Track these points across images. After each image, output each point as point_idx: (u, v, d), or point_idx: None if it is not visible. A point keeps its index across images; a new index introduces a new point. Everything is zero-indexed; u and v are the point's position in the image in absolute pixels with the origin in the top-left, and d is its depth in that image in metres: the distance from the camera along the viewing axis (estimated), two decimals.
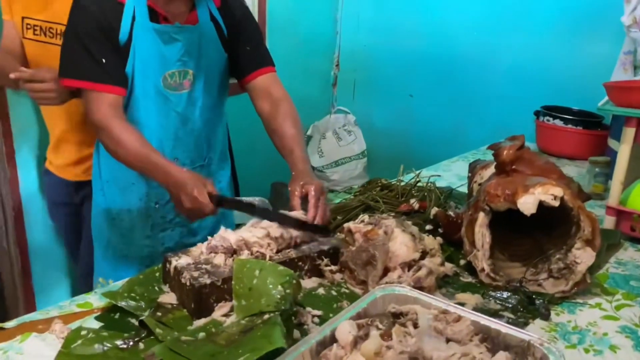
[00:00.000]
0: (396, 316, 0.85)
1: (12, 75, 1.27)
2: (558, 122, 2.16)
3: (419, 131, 2.93)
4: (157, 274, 1.09)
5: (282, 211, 1.17)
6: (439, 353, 0.74)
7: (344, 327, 0.78)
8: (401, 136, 3.01)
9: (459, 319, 0.83)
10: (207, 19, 1.35)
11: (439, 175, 1.62)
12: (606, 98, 1.54)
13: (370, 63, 3.09)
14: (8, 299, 2.08)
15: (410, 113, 2.95)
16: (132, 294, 1.00)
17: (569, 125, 2.14)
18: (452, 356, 0.73)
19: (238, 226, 1.30)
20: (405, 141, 2.99)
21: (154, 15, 1.28)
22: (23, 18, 1.52)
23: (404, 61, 2.93)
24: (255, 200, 2.05)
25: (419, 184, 1.55)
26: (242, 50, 1.42)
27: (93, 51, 1.23)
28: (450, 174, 1.91)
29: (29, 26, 1.52)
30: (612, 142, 1.83)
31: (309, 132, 3.18)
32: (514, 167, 1.18)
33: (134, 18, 1.26)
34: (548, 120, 2.20)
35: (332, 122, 3.24)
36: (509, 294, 1.06)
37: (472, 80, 2.69)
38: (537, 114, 2.27)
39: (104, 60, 1.24)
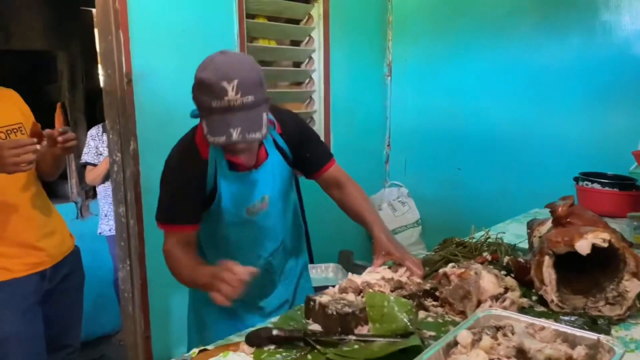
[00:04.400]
0: (497, 328, 1.17)
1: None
2: (596, 186, 2.48)
3: (468, 199, 3.27)
4: (299, 312, 1.43)
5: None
6: (535, 346, 1.05)
7: (464, 334, 1.10)
8: (452, 205, 3.35)
9: (543, 328, 1.15)
10: (273, 150, 1.58)
11: (504, 233, 1.95)
12: (636, 164, 1.87)
13: (419, 142, 3.51)
14: (130, 358, 2.42)
15: (459, 183, 3.31)
16: (290, 324, 1.34)
17: (606, 188, 2.45)
18: (544, 347, 1.04)
19: (317, 289, 1.68)
20: (455, 209, 3.33)
21: (232, 164, 1.51)
22: None
23: (450, 139, 3.33)
24: (330, 266, 2.41)
25: (484, 241, 1.88)
26: (306, 155, 1.67)
27: (174, 200, 1.51)
28: (508, 233, 2.22)
29: None
30: None
31: None
32: (568, 220, 1.51)
33: (216, 170, 1.50)
34: (587, 185, 2.52)
35: (386, 195, 3.62)
36: (576, 317, 1.36)
37: (514, 152, 3.06)
38: (576, 179, 2.60)
39: (182, 206, 1.51)
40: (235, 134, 1.28)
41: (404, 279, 1.41)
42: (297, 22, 3.10)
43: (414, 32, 3.45)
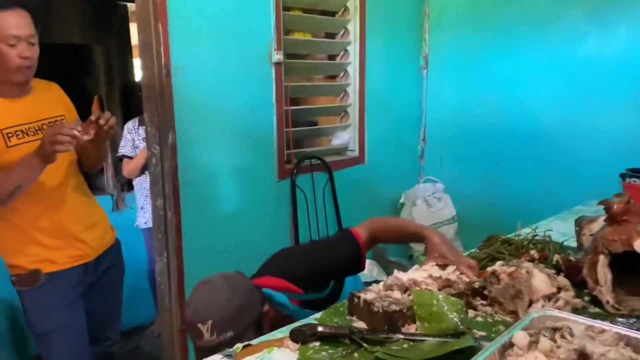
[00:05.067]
0: (554, 329, 1.11)
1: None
2: None
3: (507, 196, 3.19)
4: (342, 309, 1.39)
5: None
6: (598, 349, 1.00)
7: (520, 335, 1.06)
8: (490, 201, 3.27)
9: (603, 331, 1.09)
10: (303, 312, 1.46)
11: (551, 230, 1.88)
12: None
13: (456, 137, 3.44)
14: (165, 351, 2.43)
15: (498, 180, 3.23)
16: (334, 320, 1.31)
17: None
18: (609, 351, 0.99)
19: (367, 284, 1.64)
20: (494, 206, 3.25)
21: None
22: (1, 130, 1.70)
23: (488, 133, 3.25)
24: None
25: (531, 239, 1.81)
26: (342, 271, 1.59)
27: None
28: (552, 231, 2.15)
29: (10, 134, 1.71)
30: None
31: (401, 200, 3.50)
32: (624, 218, 1.44)
33: None
34: (635, 181, 2.42)
35: (421, 190, 3.55)
36: (635, 319, 1.30)
37: (556, 147, 2.97)
38: (622, 175, 2.50)
39: None
40: None
41: (452, 277, 1.37)
42: (332, 14, 3.06)
43: (451, 24, 3.37)
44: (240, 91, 2.46)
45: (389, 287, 1.36)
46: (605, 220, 1.53)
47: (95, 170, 2.00)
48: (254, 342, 1.25)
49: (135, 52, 3.63)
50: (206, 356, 1.22)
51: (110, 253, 1.98)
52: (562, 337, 1.08)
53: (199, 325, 1.27)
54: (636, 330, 1.26)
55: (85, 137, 1.61)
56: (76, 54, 3.81)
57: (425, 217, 3.38)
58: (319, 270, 1.54)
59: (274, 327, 1.36)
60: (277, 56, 2.55)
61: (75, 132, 1.58)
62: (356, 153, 3.21)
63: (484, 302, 1.38)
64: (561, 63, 2.90)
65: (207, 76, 2.32)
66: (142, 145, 3.05)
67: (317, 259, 1.57)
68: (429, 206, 3.44)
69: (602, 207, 1.52)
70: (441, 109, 3.50)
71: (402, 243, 1.65)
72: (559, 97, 2.94)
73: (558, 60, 2.91)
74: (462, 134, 3.38)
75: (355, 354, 1.17)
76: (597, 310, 1.37)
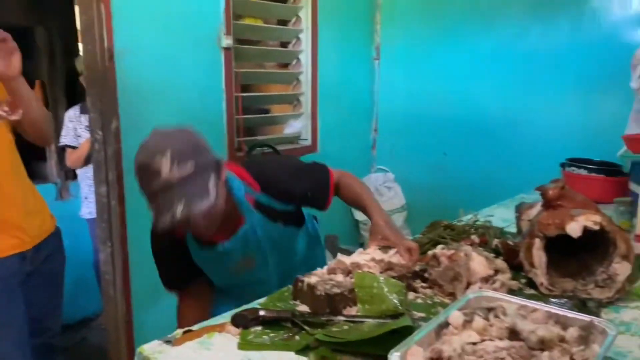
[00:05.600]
0: (488, 309, 1.15)
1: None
2: (583, 172, 2.48)
3: (454, 185, 3.26)
4: (286, 294, 1.39)
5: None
6: (528, 327, 1.03)
7: (455, 314, 1.08)
8: (438, 190, 3.35)
9: (535, 310, 1.13)
10: (252, 213, 1.46)
11: (492, 216, 1.94)
12: (624, 148, 1.87)
13: (406, 127, 3.48)
14: (110, 343, 2.37)
15: (446, 169, 3.30)
16: (278, 305, 1.31)
17: (593, 174, 2.46)
18: (537, 329, 1.03)
19: None
20: (441, 194, 3.32)
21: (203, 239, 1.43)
22: None
23: (436, 124, 3.31)
24: None
25: (472, 224, 1.86)
26: (307, 194, 1.56)
27: (167, 270, 1.56)
28: (495, 218, 2.21)
29: None
30: (633, 186, 2.14)
31: None
32: (558, 202, 1.50)
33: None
34: (573, 170, 2.52)
35: (372, 180, 3.59)
36: (566, 300, 1.35)
37: (501, 138, 3.05)
38: (562, 165, 2.60)
39: (176, 273, 1.55)
40: (179, 210, 1.17)
41: (394, 260, 1.39)
42: (284, 1, 3.04)
43: (402, 15, 3.40)
44: (188, 76, 2.41)
45: (332, 271, 1.37)
46: (542, 206, 1.59)
47: (47, 143, 1.92)
48: (194, 327, 1.24)
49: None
50: (165, 208, 1.17)
51: (50, 241, 1.90)
52: (496, 316, 1.12)
53: (157, 157, 1.17)
54: (567, 309, 1.31)
55: (13, 117, 1.52)
56: (16, 36, 3.63)
57: None
58: (283, 176, 1.51)
59: (225, 218, 1.36)
60: (227, 41, 2.51)
61: (0, 112, 1.49)
62: (309, 142, 3.21)
63: (424, 284, 1.41)
64: (506, 56, 2.98)
65: (153, 59, 2.25)
66: (85, 134, 2.95)
67: (286, 165, 1.58)
68: (380, 195, 3.49)
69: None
70: (392, 100, 3.54)
71: (354, 208, 1.68)
72: (505, 89, 3.02)
73: (503, 53, 2.99)
74: (412, 125, 3.44)
75: (297, 337, 1.17)
76: (532, 291, 1.43)
